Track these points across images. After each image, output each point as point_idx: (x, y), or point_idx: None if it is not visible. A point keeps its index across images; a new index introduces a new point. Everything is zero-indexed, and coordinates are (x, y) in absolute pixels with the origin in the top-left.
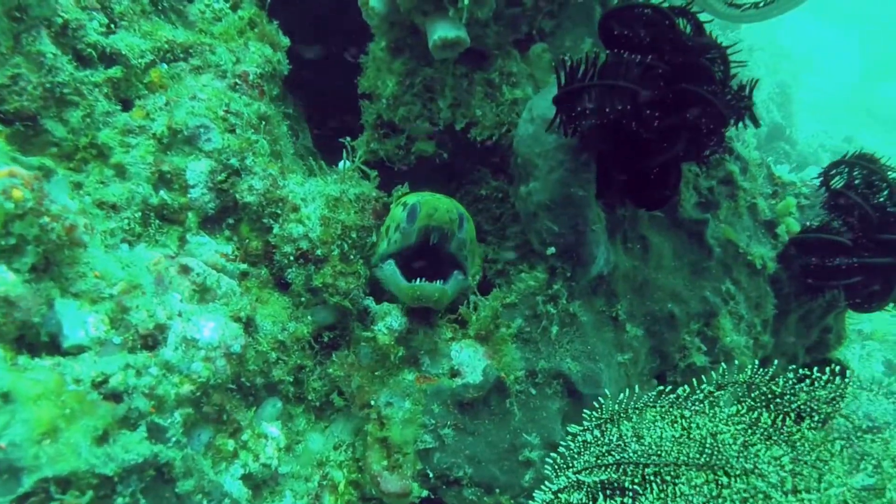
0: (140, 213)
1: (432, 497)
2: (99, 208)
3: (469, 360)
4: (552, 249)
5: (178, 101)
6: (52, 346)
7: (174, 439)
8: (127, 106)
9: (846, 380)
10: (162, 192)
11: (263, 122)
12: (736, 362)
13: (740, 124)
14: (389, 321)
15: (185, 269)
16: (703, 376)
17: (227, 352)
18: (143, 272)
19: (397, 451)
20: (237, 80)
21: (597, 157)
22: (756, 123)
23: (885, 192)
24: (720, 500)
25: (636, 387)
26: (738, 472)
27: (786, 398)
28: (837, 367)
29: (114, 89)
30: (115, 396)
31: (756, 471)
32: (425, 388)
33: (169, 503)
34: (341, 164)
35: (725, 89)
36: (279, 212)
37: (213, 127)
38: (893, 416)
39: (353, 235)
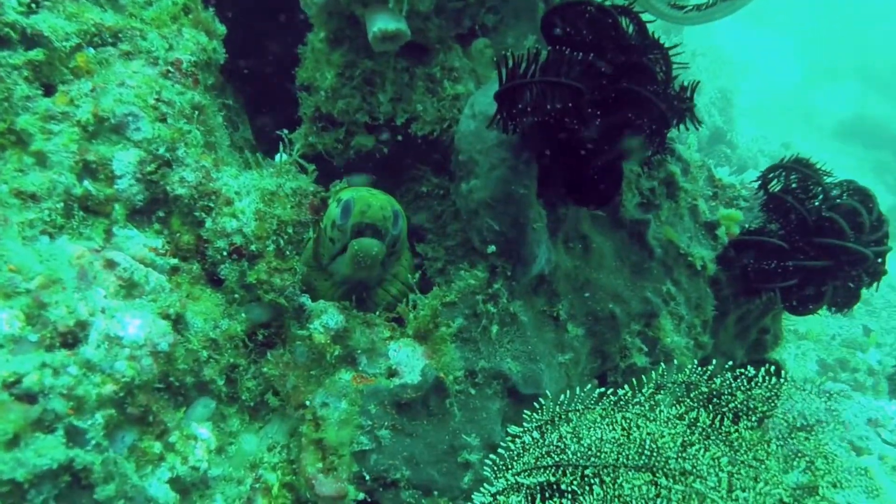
0: (62, 204)
1: (369, 500)
2: (16, 198)
3: (407, 360)
4: (493, 248)
5: (106, 87)
6: None
7: (94, 442)
8: (49, 91)
9: (781, 379)
10: (86, 183)
11: (197, 112)
12: (675, 362)
13: (682, 126)
14: (325, 319)
15: (111, 264)
16: (643, 377)
17: (153, 350)
18: (65, 266)
19: (333, 453)
20: (169, 68)
21: (538, 155)
22: (697, 125)
23: (820, 197)
24: (659, 501)
25: (577, 388)
26: (677, 474)
27: (724, 398)
28: (773, 368)
29: (35, 73)
30: (30, 397)
31: (695, 471)
32: (362, 388)
33: None
34: (278, 157)
35: (668, 90)
36: (212, 205)
37: (142, 115)
38: (826, 415)
39: (290, 231)
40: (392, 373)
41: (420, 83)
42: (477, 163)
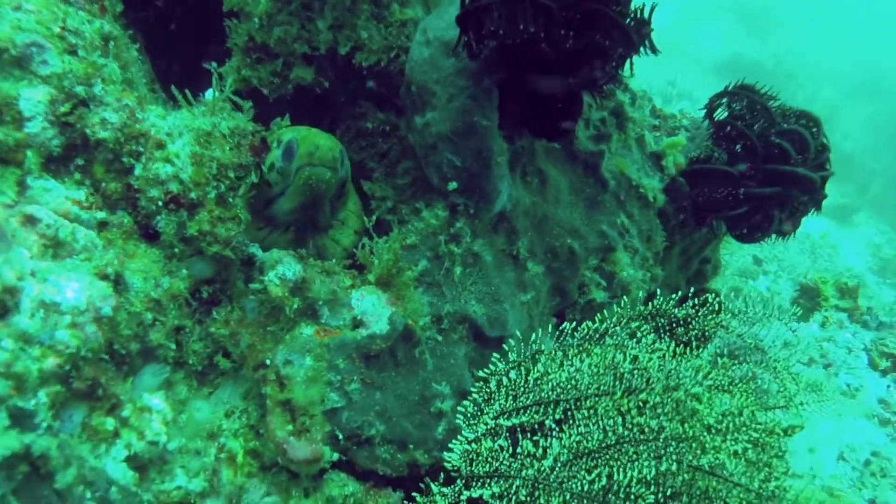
0: None
1: (343, 459)
2: None
3: (373, 309)
4: (454, 185)
5: None
6: None
7: (44, 425)
8: None
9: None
10: None
11: (110, 44)
12: (630, 296)
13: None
14: (281, 270)
15: (31, 220)
16: (604, 311)
17: (97, 316)
18: None
19: (303, 414)
20: None
21: (497, 84)
22: (655, 50)
23: (763, 122)
24: (643, 420)
25: (538, 327)
26: (659, 391)
27: (691, 325)
28: (716, 297)
29: None
30: None
31: (680, 385)
32: (327, 341)
33: (49, 502)
34: (208, 93)
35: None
36: (141, 149)
37: (48, 46)
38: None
39: (231, 175)
40: (357, 323)
41: (365, 7)
42: (434, 93)
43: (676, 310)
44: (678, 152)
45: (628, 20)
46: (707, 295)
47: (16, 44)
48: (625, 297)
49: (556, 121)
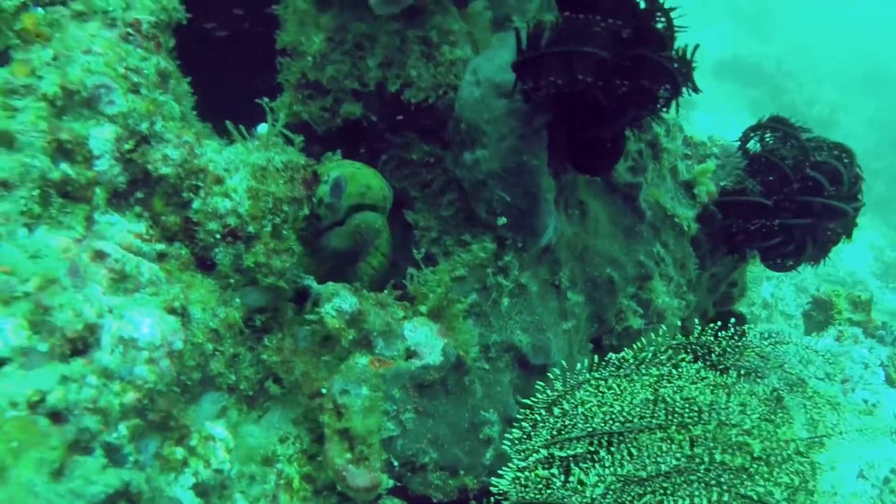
0: (38, 191)
1: (397, 485)
2: None
3: (426, 340)
4: (503, 220)
5: (70, 55)
6: None
7: (132, 458)
8: (3, 60)
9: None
10: (63, 165)
11: (167, 80)
12: (667, 322)
13: None
14: (338, 302)
15: (100, 255)
16: (642, 338)
17: (170, 350)
18: (57, 262)
19: (361, 443)
20: (129, 30)
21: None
22: (696, 90)
23: (797, 154)
24: (697, 452)
25: (576, 353)
26: (713, 426)
27: (727, 355)
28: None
29: None
30: (56, 416)
31: (730, 420)
32: (383, 372)
33: None
34: (260, 127)
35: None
36: (200, 184)
37: (115, 87)
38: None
39: (285, 209)
40: (410, 353)
41: (415, 47)
42: (484, 132)
43: (716, 341)
44: (709, 179)
45: (674, 63)
46: (733, 319)
47: (86, 86)
48: (662, 325)
49: (600, 157)
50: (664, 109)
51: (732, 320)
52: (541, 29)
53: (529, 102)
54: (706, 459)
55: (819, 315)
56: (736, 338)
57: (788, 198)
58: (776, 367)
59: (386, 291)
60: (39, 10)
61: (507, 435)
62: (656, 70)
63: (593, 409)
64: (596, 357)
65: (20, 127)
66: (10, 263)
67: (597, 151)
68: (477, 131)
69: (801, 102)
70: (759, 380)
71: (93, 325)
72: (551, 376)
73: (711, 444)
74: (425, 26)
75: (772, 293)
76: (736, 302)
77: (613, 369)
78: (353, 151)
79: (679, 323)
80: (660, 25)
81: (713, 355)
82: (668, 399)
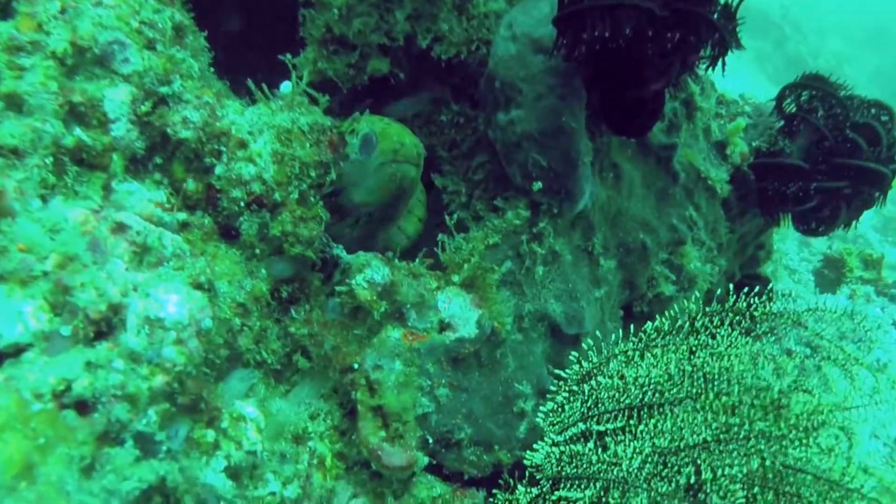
0: (52, 158)
1: (432, 462)
2: None
3: (460, 312)
4: (539, 185)
5: (78, 7)
6: None
7: (164, 448)
8: (5, 13)
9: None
10: (77, 130)
11: (182, 35)
12: (698, 287)
13: None
14: (370, 274)
15: (121, 227)
16: (674, 305)
17: (198, 329)
18: (76, 237)
19: (396, 420)
20: None
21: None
22: (740, 46)
23: (837, 113)
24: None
25: (607, 321)
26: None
27: (761, 322)
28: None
29: None
30: (82, 406)
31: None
32: (417, 346)
33: None
34: (283, 86)
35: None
36: (223, 149)
37: (129, 43)
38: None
39: (312, 174)
40: (444, 326)
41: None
42: (520, 91)
43: (753, 307)
44: (741, 139)
45: (717, 17)
46: (758, 282)
47: (98, 42)
48: (695, 291)
49: (640, 119)
50: (710, 68)
51: (760, 287)
52: None
53: (570, 59)
54: (745, 428)
55: (831, 273)
56: (769, 304)
57: (826, 160)
58: (814, 335)
59: (418, 260)
60: None
61: (541, 408)
62: (702, 24)
63: (628, 381)
64: (631, 327)
65: (29, 88)
66: (26, 240)
67: (636, 111)
68: (512, 90)
69: (807, 54)
70: (795, 346)
71: (117, 305)
72: (584, 347)
73: (750, 413)
74: None
75: (776, 247)
76: (762, 264)
77: (649, 339)
78: (377, 111)
79: (707, 288)
80: None
81: (745, 322)
82: (706, 368)
